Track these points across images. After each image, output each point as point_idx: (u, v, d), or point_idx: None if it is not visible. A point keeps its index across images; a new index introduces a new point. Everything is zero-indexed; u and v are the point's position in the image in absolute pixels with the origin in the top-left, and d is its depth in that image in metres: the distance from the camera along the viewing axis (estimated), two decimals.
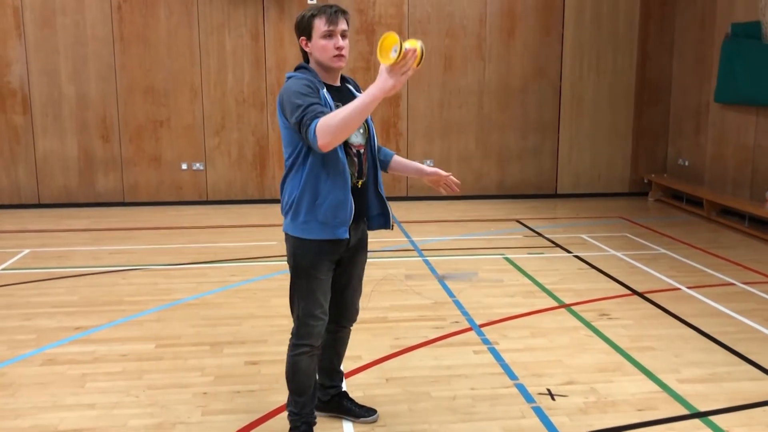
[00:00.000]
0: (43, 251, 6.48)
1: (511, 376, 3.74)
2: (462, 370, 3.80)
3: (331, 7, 2.77)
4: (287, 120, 2.70)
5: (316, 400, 3.12)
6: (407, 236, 7.01)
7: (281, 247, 6.73)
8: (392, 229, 3.13)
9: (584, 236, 7.02)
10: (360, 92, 2.88)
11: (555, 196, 9.25)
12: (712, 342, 4.23)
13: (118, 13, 8.28)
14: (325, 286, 2.90)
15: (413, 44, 2.43)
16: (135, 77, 8.42)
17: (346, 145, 2.79)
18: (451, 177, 3.15)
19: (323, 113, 2.57)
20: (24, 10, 8.16)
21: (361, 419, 3.26)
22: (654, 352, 4.06)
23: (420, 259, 6.14)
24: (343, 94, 2.85)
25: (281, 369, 3.80)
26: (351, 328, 3.25)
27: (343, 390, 3.34)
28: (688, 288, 5.29)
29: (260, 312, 4.74)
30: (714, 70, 8.19)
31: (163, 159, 8.60)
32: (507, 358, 3.97)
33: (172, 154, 8.60)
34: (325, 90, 2.75)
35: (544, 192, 9.24)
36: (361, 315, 4.65)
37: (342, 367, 3.35)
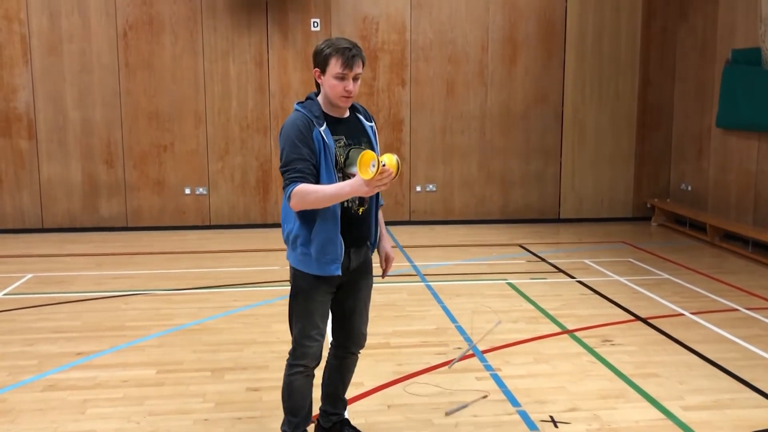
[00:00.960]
0: (46, 276, 6.48)
1: (514, 402, 3.72)
2: (464, 397, 3.77)
3: (351, 49, 2.80)
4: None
5: (309, 422, 3.13)
6: (410, 261, 7.00)
7: (283, 272, 6.77)
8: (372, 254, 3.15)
9: (587, 261, 7.01)
10: (370, 119, 3.04)
11: (558, 220, 9.24)
12: (716, 368, 4.20)
13: (123, 41, 8.38)
14: (323, 308, 2.94)
15: (390, 160, 2.63)
16: (140, 103, 8.49)
17: (345, 176, 2.83)
18: (388, 269, 3.17)
19: (304, 177, 2.74)
20: (31, 38, 8.26)
21: None
22: (658, 379, 4.03)
23: (422, 284, 6.13)
24: (348, 126, 2.91)
25: None
26: (358, 354, 3.22)
27: (345, 417, 3.33)
28: (692, 314, 5.27)
29: (262, 338, 4.73)
30: (715, 95, 8.24)
31: (166, 184, 8.64)
32: (509, 384, 3.94)
33: (176, 179, 8.64)
34: (323, 127, 2.80)
35: (547, 217, 9.24)
36: None
37: (346, 395, 3.34)
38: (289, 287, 2.99)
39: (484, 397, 3.78)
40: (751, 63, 7.49)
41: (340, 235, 2.84)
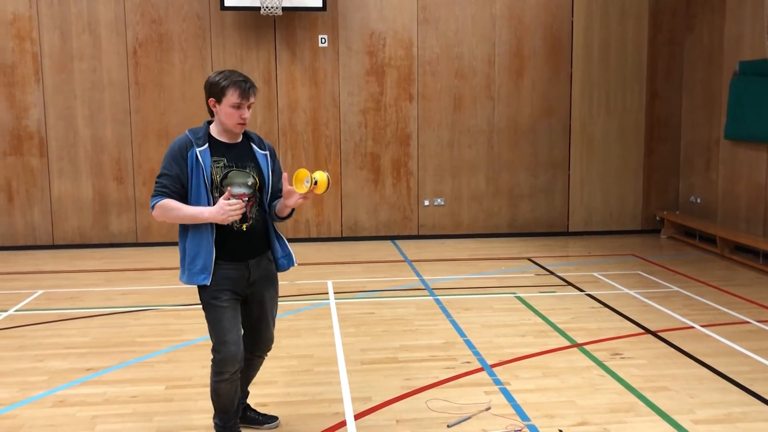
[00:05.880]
0: (56, 292, 6.52)
1: (523, 417, 3.70)
2: (473, 411, 3.75)
3: (246, 81, 3.13)
4: None
5: (239, 413, 3.46)
6: (418, 275, 7.00)
7: (292, 288, 6.78)
8: (296, 264, 3.44)
9: (596, 274, 6.98)
10: (264, 148, 3.32)
11: (567, 233, 9.22)
12: (727, 382, 4.17)
13: (133, 58, 8.47)
14: (230, 313, 3.16)
15: (321, 177, 3.02)
16: (149, 121, 8.57)
17: (222, 193, 3.09)
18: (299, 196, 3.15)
19: (169, 193, 3.07)
20: (43, 57, 8.36)
21: (265, 426, 3.60)
22: (668, 392, 4.01)
23: (431, 298, 6.12)
24: (235, 151, 3.20)
25: (290, 411, 3.81)
26: (265, 356, 3.56)
27: (246, 403, 3.66)
28: (702, 326, 5.23)
29: (270, 353, 4.72)
30: (723, 107, 8.22)
31: None
32: (518, 398, 3.93)
33: None
34: (202, 148, 3.08)
35: (555, 230, 9.22)
36: (372, 356, 4.68)
37: (249, 388, 3.69)
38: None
39: (487, 409, 3.76)
40: (758, 74, 7.48)
41: (210, 249, 3.10)
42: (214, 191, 3.11)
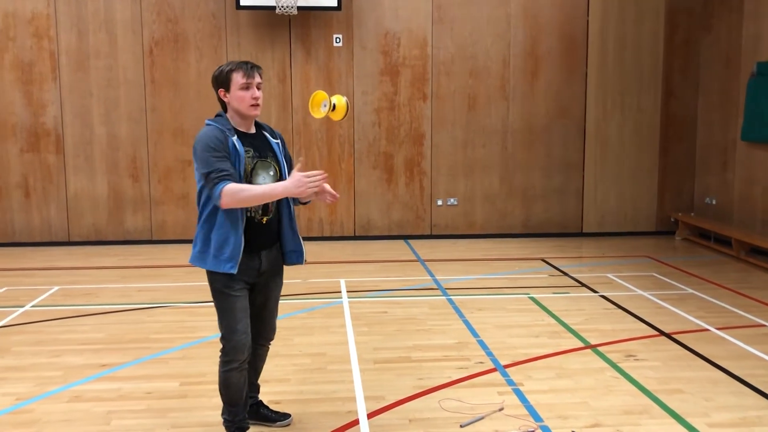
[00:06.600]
0: (72, 288, 6.58)
1: (536, 417, 3.69)
2: (486, 411, 3.75)
3: (247, 63, 3.16)
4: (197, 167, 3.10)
5: (248, 407, 3.44)
6: (431, 275, 7.00)
7: (305, 286, 6.80)
8: (305, 263, 3.45)
9: (610, 275, 6.95)
10: (275, 138, 3.33)
11: (581, 234, 9.18)
12: (742, 385, 4.14)
13: (149, 57, 8.52)
14: (242, 302, 3.19)
15: (340, 101, 2.92)
16: (165, 119, 8.62)
17: (251, 184, 3.11)
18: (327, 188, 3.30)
19: (230, 176, 3.00)
20: (60, 55, 8.43)
21: (278, 423, 3.58)
22: (682, 395, 3.98)
23: (444, 298, 6.12)
24: (256, 140, 3.23)
25: (303, 408, 3.82)
26: (269, 345, 3.58)
27: (259, 399, 3.66)
28: (718, 329, 5.20)
29: (283, 350, 4.75)
30: (740, 108, 8.16)
31: (190, 198, 8.73)
32: (532, 399, 3.92)
33: None
34: (235, 137, 3.09)
35: (569, 231, 9.19)
36: (384, 355, 4.68)
37: (260, 381, 3.67)
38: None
39: (500, 409, 3.76)
40: None
41: (240, 238, 3.10)
42: (245, 182, 3.10)
